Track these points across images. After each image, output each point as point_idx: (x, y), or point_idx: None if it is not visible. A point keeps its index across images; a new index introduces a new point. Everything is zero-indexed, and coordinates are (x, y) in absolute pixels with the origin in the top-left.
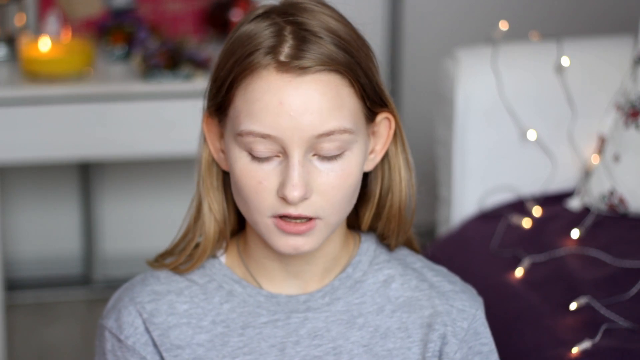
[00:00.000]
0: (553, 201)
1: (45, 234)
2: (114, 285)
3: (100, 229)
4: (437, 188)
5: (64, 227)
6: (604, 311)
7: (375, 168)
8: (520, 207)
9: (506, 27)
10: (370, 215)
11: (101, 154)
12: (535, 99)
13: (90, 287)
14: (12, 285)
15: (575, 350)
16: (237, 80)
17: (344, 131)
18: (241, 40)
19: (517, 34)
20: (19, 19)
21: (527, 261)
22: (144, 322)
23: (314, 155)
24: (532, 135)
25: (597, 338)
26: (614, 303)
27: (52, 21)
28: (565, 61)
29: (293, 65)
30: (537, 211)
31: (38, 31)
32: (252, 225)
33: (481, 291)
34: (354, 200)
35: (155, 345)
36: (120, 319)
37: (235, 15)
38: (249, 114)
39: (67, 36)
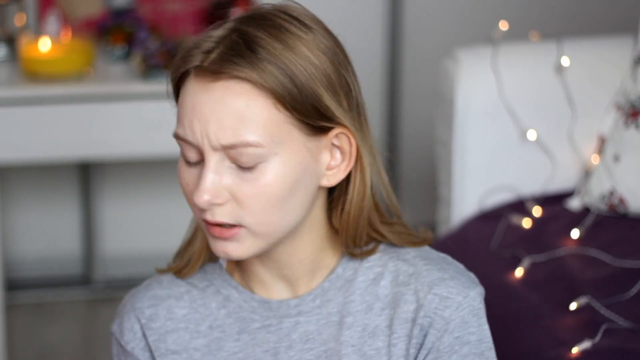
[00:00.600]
0: (553, 201)
1: (45, 234)
2: (114, 285)
3: (100, 229)
4: (437, 188)
5: (64, 227)
6: (604, 311)
7: (344, 181)
8: (520, 207)
9: (506, 27)
10: (338, 220)
11: (101, 154)
12: (535, 99)
13: (90, 287)
14: (12, 285)
15: (575, 350)
16: (177, 85)
17: (248, 145)
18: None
19: (517, 34)
20: (19, 19)
21: (527, 261)
22: (142, 328)
23: (233, 163)
24: (532, 135)
25: (597, 338)
26: (614, 303)
27: (52, 21)
28: (565, 61)
29: (209, 70)
30: (537, 211)
31: (38, 31)
32: None
33: None
34: (290, 212)
35: (150, 350)
36: (122, 324)
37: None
38: (177, 117)
39: (67, 36)
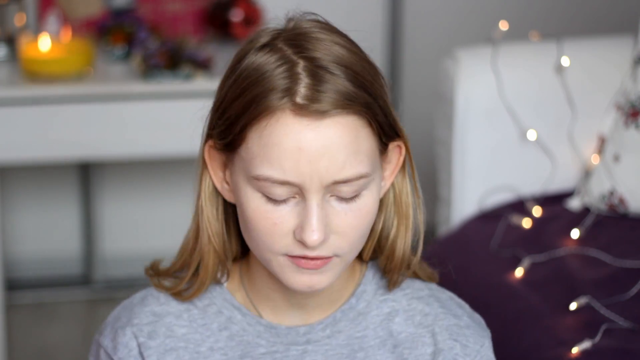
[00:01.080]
0: (553, 201)
1: (45, 234)
2: (114, 285)
3: (100, 229)
4: (437, 188)
5: (64, 227)
6: (604, 311)
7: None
8: (520, 207)
9: (506, 27)
10: (371, 247)
11: (101, 154)
12: (535, 99)
13: (90, 287)
14: (12, 285)
15: (575, 350)
16: (250, 122)
17: (361, 177)
18: (251, 76)
19: (517, 34)
20: (19, 19)
21: (527, 261)
22: (139, 346)
23: (332, 196)
24: (532, 135)
25: (597, 338)
26: (614, 303)
27: (52, 21)
28: (565, 61)
29: (312, 110)
30: (537, 211)
31: (38, 31)
32: (262, 262)
33: (481, 291)
34: (367, 234)
35: None
36: (116, 339)
37: (235, 15)
38: (266, 158)
39: (67, 36)
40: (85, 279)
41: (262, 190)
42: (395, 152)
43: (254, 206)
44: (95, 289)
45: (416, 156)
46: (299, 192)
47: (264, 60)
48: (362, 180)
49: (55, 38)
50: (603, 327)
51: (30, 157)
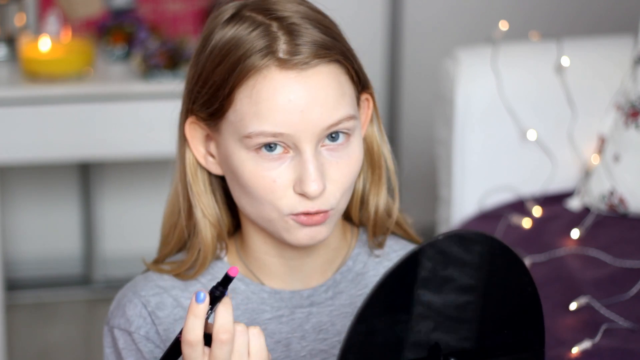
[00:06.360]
0: (553, 201)
1: (45, 234)
2: (114, 285)
3: (100, 229)
4: (437, 188)
5: (64, 227)
6: (604, 311)
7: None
8: (520, 207)
9: (506, 27)
10: (356, 207)
11: (101, 154)
12: (535, 99)
13: (90, 287)
14: (12, 285)
15: (575, 350)
16: (237, 84)
17: (350, 117)
18: (228, 44)
19: (517, 34)
20: (19, 19)
21: (527, 261)
22: (150, 315)
23: (323, 146)
24: (532, 135)
25: (597, 338)
26: (614, 303)
27: (52, 21)
28: (565, 61)
29: (295, 62)
30: (537, 211)
31: (38, 31)
32: (262, 224)
33: None
34: (354, 183)
35: (161, 338)
36: (127, 313)
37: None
38: (257, 115)
39: (67, 36)
40: (85, 279)
41: (256, 148)
42: (364, 106)
43: (250, 168)
44: (95, 289)
45: (416, 156)
46: (293, 147)
47: (235, 29)
48: (351, 122)
49: (55, 38)
50: (603, 327)
51: (30, 157)
